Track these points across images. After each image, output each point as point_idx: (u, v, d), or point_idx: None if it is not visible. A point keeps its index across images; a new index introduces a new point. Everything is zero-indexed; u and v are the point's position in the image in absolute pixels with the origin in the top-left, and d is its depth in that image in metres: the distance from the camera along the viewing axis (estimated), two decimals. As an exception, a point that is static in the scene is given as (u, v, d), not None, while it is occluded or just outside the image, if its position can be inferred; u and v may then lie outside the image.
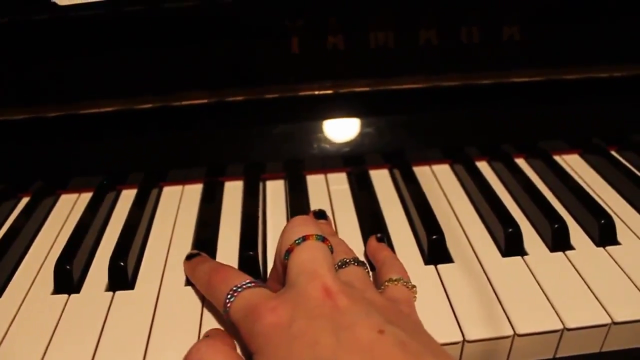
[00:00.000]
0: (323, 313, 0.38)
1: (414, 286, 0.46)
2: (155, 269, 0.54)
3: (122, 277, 0.52)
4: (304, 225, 0.45)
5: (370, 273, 0.50)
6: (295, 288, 0.40)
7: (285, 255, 0.43)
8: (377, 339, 0.35)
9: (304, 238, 0.43)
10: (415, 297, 0.46)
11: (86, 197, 0.66)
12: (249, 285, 0.42)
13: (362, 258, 0.52)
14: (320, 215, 0.57)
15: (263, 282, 0.44)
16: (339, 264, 0.45)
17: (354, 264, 0.45)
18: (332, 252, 0.44)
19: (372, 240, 0.54)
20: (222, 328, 0.46)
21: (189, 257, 0.52)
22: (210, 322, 0.47)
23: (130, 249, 0.55)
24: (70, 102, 0.67)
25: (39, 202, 0.65)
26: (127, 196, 0.66)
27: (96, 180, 0.67)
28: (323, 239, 0.43)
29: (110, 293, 0.51)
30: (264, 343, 0.38)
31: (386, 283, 0.46)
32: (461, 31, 0.66)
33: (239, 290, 0.42)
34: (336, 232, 0.59)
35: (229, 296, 0.42)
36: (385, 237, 0.55)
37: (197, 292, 0.50)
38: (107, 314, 0.49)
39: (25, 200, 0.66)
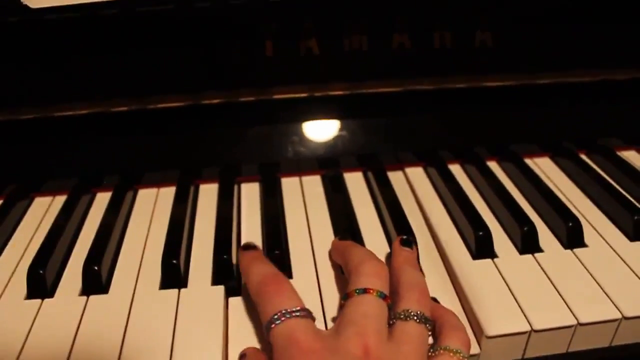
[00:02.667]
0: None
1: None
2: (130, 273, 0.54)
3: (95, 282, 0.52)
4: (372, 276, 0.45)
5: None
6: (340, 337, 0.41)
7: (344, 296, 0.45)
8: None
9: (365, 290, 0.44)
10: None
11: (60, 200, 0.66)
12: (299, 314, 0.42)
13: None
14: (406, 243, 0.53)
15: (312, 314, 0.44)
16: (402, 315, 0.44)
17: (415, 319, 0.43)
18: (389, 309, 0.44)
19: (440, 307, 0.49)
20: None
21: (245, 248, 0.52)
22: (185, 326, 0.47)
23: (105, 253, 0.55)
24: (45, 105, 0.67)
25: (13, 205, 0.64)
26: (102, 199, 0.66)
27: (71, 183, 0.67)
28: (384, 296, 0.44)
29: (84, 297, 0.51)
30: None
31: (442, 350, 0.43)
32: (434, 36, 0.67)
33: (288, 316, 0.42)
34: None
35: (275, 318, 0.42)
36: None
37: (171, 295, 0.50)
38: (80, 319, 0.49)
39: (-2, 203, 0.66)
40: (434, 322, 0.46)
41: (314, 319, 0.44)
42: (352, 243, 0.53)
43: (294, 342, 0.40)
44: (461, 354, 0.43)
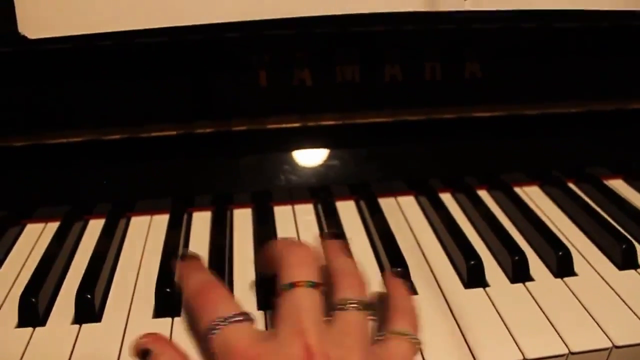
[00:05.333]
0: None
1: (419, 342, 0.43)
2: (123, 301, 0.54)
3: (88, 310, 0.52)
4: (296, 266, 0.43)
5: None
6: (278, 340, 0.40)
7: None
8: None
9: (293, 284, 0.42)
10: (418, 352, 0.44)
11: (52, 227, 0.65)
12: (236, 319, 0.41)
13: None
14: (330, 235, 0.52)
15: (250, 316, 0.42)
16: (339, 305, 0.42)
17: (354, 307, 0.42)
18: (324, 294, 0.43)
19: (389, 275, 0.50)
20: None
21: (184, 257, 0.50)
22: (178, 356, 0.47)
23: (98, 281, 0.54)
24: (37, 132, 0.67)
25: (4, 232, 0.64)
26: (95, 226, 0.66)
27: (63, 210, 0.67)
28: (314, 284, 0.42)
29: (77, 326, 0.51)
30: None
31: (390, 334, 0.43)
32: (425, 68, 0.69)
33: (224, 323, 0.40)
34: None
35: (212, 327, 0.40)
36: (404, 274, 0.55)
37: (165, 325, 0.50)
38: (72, 349, 0.48)
39: (-11, 230, 0.65)
40: (375, 307, 0.45)
41: (253, 321, 0.42)
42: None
43: (233, 351, 0.39)
44: (409, 336, 0.43)
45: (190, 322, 0.46)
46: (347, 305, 0.42)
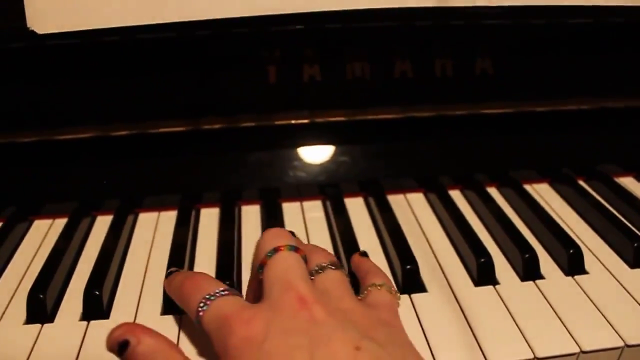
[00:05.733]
0: (298, 326, 0.37)
1: (397, 292, 0.47)
2: (131, 298, 0.54)
3: (97, 307, 0.52)
4: (276, 237, 0.44)
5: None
6: (269, 299, 0.40)
7: (258, 269, 0.43)
8: (353, 356, 0.35)
9: (276, 250, 0.43)
10: (398, 302, 0.47)
11: (60, 223, 0.65)
12: (223, 293, 0.41)
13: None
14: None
15: (237, 291, 0.43)
16: (316, 268, 0.44)
17: (331, 267, 0.44)
18: (305, 261, 0.44)
19: (356, 256, 0.54)
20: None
21: (168, 275, 0.51)
22: (187, 353, 0.47)
23: (106, 278, 0.54)
24: (45, 128, 0.67)
25: (12, 228, 0.64)
26: (103, 222, 0.66)
27: (71, 206, 0.67)
28: (296, 249, 0.43)
29: (85, 322, 0.51)
30: (237, 357, 0.37)
31: (369, 288, 0.46)
32: (435, 64, 0.68)
33: (212, 298, 0.41)
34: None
35: (201, 304, 0.41)
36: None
37: (174, 321, 0.50)
38: (81, 345, 0.48)
39: (-3, 226, 0.65)
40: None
41: (240, 295, 0.42)
42: None
43: (226, 319, 0.39)
44: (386, 286, 0.46)
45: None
46: (324, 268, 0.44)
